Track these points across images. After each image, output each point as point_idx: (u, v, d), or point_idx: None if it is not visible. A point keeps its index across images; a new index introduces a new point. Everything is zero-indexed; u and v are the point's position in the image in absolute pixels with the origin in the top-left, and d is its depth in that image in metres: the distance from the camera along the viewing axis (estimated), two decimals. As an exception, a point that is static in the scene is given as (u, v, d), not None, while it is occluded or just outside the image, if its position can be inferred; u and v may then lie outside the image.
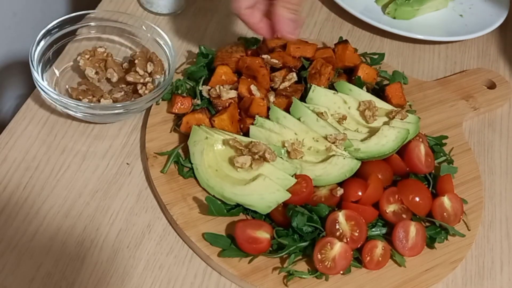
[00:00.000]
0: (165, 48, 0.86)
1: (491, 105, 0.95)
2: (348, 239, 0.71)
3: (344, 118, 0.82)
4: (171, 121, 0.83)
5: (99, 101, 0.80)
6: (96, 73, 0.86)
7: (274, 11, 0.78)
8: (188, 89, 0.86)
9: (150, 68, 0.85)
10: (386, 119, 0.84)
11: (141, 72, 0.84)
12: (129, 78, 0.84)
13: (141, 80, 0.84)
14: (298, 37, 0.83)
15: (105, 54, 0.87)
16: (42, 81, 0.77)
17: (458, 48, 1.07)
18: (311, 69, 0.88)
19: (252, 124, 0.80)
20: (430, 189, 0.79)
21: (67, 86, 0.84)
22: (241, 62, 0.87)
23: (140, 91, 0.83)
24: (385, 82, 0.93)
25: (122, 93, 0.83)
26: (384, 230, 0.75)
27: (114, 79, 0.85)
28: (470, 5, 1.13)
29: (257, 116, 0.80)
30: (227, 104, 0.81)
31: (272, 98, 0.83)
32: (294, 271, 0.70)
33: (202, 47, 0.90)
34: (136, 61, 0.85)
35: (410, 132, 0.81)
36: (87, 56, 0.86)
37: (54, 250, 0.70)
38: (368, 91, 0.87)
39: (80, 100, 0.80)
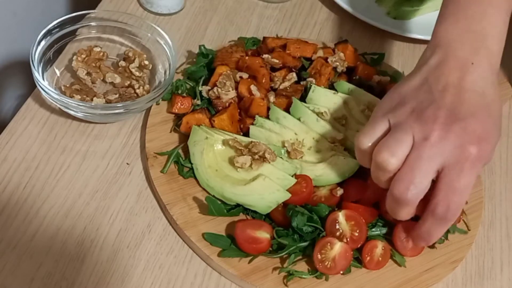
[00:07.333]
0: (165, 48, 0.86)
1: (491, 105, 0.95)
2: (348, 239, 0.71)
3: (344, 118, 0.82)
4: (171, 121, 0.83)
5: (91, 100, 0.81)
6: (88, 74, 0.85)
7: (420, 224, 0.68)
8: (188, 89, 0.86)
9: (139, 71, 0.86)
10: (386, 119, 0.84)
11: (136, 74, 0.85)
12: (119, 80, 0.84)
13: (135, 83, 0.84)
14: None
15: (101, 54, 0.87)
16: (43, 81, 0.77)
17: (458, 48, 1.06)
18: (311, 69, 0.88)
19: (252, 124, 0.80)
20: (430, 189, 0.79)
21: (61, 85, 0.84)
22: (241, 62, 0.87)
23: (138, 91, 0.83)
24: (385, 82, 0.92)
25: (117, 95, 0.83)
26: (384, 230, 0.75)
27: (117, 80, 0.86)
28: (470, 5, 1.13)
29: (257, 116, 0.80)
30: (227, 104, 0.81)
31: (272, 98, 0.83)
32: (294, 271, 0.70)
33: (202, 47, 0.90)
34: (129, 64, 0.86)
35: (410, 132, 0.81)
36: (83, 56, 0.86)
37: (54, 250, 0.70)
38: (368, 91, 0.87)
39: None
